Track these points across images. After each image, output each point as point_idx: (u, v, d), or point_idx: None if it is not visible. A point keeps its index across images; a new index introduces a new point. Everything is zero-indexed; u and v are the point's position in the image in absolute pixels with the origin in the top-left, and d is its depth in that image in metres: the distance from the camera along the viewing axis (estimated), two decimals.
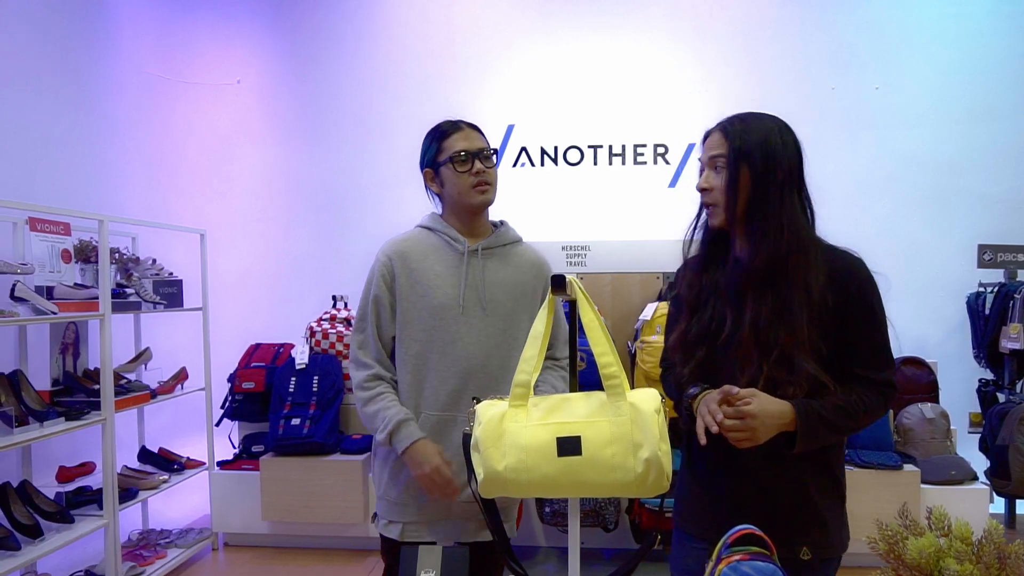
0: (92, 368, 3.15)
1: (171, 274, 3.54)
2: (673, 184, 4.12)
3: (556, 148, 4.18)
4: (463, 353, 1.65)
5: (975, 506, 3.15)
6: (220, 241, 4.18)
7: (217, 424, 3.71)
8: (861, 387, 1.30)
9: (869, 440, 3.27)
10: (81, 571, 2.96)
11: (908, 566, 1.03)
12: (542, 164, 4.19)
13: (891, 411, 3.39)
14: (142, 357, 3.51)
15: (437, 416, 1.65)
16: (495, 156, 1.74)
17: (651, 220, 4.05)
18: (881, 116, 3.99)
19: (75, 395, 2.93)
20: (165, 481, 3.34)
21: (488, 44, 4.22)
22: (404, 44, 4.27)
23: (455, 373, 1.65)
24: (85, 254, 3.03)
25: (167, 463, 3.53)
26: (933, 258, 3.89)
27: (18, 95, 3.19)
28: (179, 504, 3.91)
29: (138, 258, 3.39)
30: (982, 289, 3.71)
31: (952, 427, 3.40)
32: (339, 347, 3.64)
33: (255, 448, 3.68)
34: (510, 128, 4.19)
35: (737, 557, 1.03)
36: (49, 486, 2.94)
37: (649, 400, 1.20)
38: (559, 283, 1.23)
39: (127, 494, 3.04)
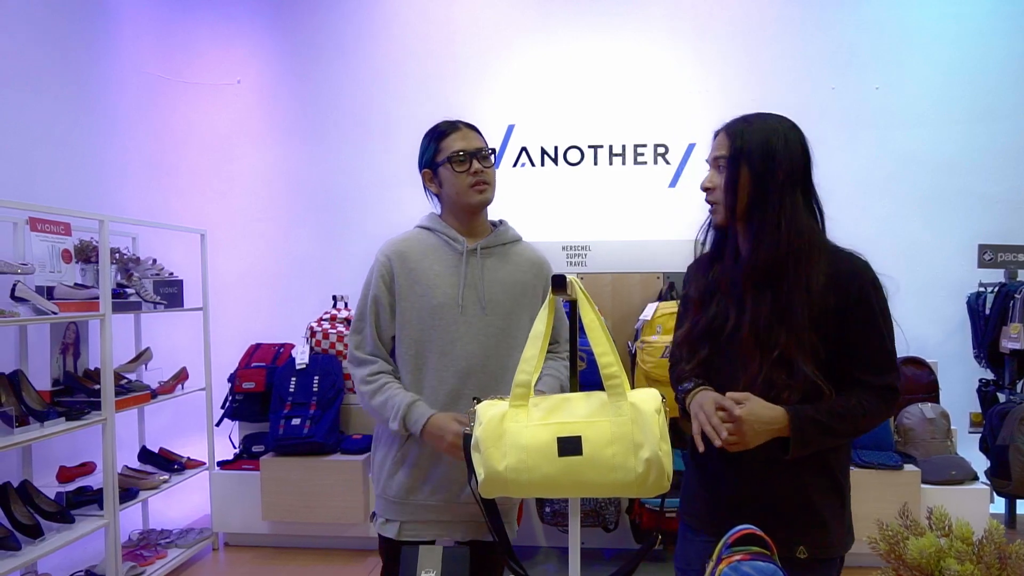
0: (92, 368, 3.15)
1: (171, 274, 3.54)
2: (673, 184, 4.12)
3: (556, 148, 4.18)
4: (462, 353, 1.65)
5: (975, 506, 3.15)
6: (220, 241, 4.18)
7: (217, 424, 3.71)
8: (861, 391, 1.30)
9: (869, 440, 3.27)
10: (81, 571, 2.96)
11: (909, 566, 1.03)
12: (542, 164, 4.19)
13: None
14: (142, 357, 3.51)
15: None
16: (493, 156, 1.74)
17: (651, 220, 4.06)
18: (881, 116, 3.99)
19: (75, 395, 2.93)
20: (165, 481, 3.35)
21: (488, 44, 4.22)
22: (404, 44, 4.27)
23: (454, 373, 1.65)
24: (85, 254, 3.03)
25: (167, 463, 3.53)
26: (933, 258, 3.89)
27: (18, 95, 3.19)
28: (179, 504, 3.91)
29: (138, 258, 3.39)
30: (982, 289, 3.71)
31: (952, 427, 3.39)
32: (339, 347, 3.64)
33: (255, 448, 3.68)
34: (510, 128, 4.19)
35: (738, 557, 1.03)
36: (49, 486, 2.94)
37: (650, 400, 1.20)
38: (560, 283, 1.23)
39: (127, 494, 3.04)
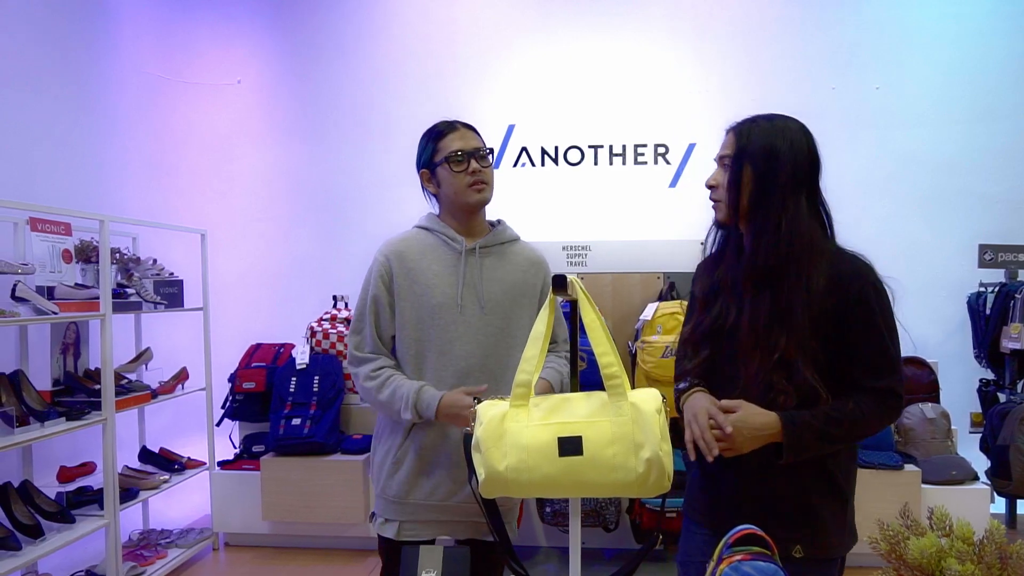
0: (93, 368, 3.15)
1: (172, 274, 3.54)
2: (673, 184, 4.12)
3: (556, 148, 4.18)
4: (462, 352, 1.65)
5: (976, 506, 3.15)
6: (220, 241, 4.18)
7: (218, 424, 3.71)
8: (860, 396, 1.29)
9: (870, 440, 3.26)
10: (82, 571, 2.96)
11: (909, 566, 1.03)
12: (542, 164, 4.19)
13: None
14: (143, 357, 3.51)
15: None
16: (491, 155, 1.74)
17: (652, 220, 4.06)
18: (881, 116, 3.98)
19: (76, 395, 2.93)
20: (166, 481, 3.35)
21: (488, 44, 4.22)
22: (404, 44, 4.27)
23: (454, 372, 1.65)
24: (86, 254, 3.03)
25: (168, 463, 3.53)
26: (933, 258, 3.89)
27: (18, 95, 3.19)
28: (180, 504, 3.91)
29: (139, 258, 3.39)
30: (983, 289, 3.71)
31: (953, 427, 3.39)
32: (339, 347, 3.64)
33: (256, 448, 3.68)
34: (510, 128, 4.19)
35: (738, 557, 1.03)
36: (50, 486, 2.94)
37: (650, 400, 1.20)
38: (560, 283, 1.23)
39: (128, 494, 3.04)
